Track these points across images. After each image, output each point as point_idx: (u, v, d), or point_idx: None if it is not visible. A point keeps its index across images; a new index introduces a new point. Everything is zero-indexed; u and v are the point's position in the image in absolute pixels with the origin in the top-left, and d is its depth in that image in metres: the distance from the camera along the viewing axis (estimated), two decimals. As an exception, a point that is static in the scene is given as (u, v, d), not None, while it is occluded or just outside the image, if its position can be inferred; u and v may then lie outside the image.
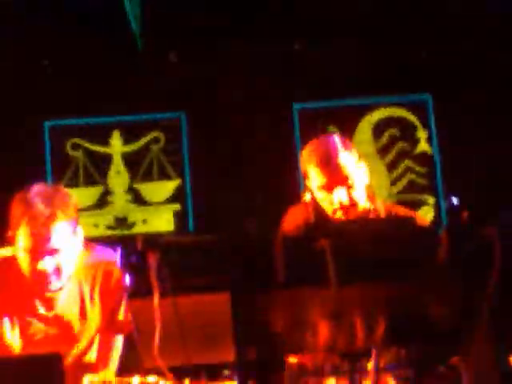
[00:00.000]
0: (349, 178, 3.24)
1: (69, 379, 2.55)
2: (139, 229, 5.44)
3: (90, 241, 3.13)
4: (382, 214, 3.33)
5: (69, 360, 2.97)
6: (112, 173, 5.55)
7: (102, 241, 3.19)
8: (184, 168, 5.53)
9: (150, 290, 2.10)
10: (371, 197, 3.37)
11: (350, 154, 3.32)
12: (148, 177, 5.54)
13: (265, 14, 5.50)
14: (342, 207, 3.23)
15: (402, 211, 3.43)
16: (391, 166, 5.55)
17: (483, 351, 2.15)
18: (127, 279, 2.13)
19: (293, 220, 3.32)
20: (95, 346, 3.07)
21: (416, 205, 5.38)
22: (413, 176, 5.53)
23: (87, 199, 5.43)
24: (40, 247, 2.85)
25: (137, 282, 2.12)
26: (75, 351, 3.02)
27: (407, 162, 5.55)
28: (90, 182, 5.51)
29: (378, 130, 5.57)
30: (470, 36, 5.34)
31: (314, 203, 3.32)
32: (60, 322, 3.01)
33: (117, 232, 5.44)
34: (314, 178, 3.31)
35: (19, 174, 4.80)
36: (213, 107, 5.52)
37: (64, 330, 3.01)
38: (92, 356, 3.06)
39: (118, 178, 5.54)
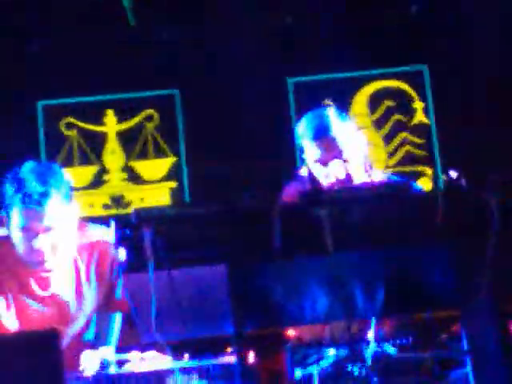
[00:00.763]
0: (344, 151, 3.22)
1: (67, 358, 2.55)
2: (135, 208, 5.40)
3: (86, 220, 3.10)
4: (380, 186, 3.31)
5: (66, 339, 2.95)
6: (107, 151, 5.51)
7: (98, 220, 3.15)
8: (179, 145, 5.50)
9: (146, 263, 2.07)
10: (369, 169, 3.34)
11: (346, 126, 3.29)
12: (143, 155, 5.51)
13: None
14: (338, 181, 3.21)
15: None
16: (388, 138, 5.52)
17: (483, 317, 2.13)
18: (122, 253, 2.10)
19: (290, 194, 3.30)
20: (92, 325, 3.05)
21: (413, 176, 5.35)
22: (410, 147, 5.51)
23: (82, 179, 5.40)
24: (34, 225, 2.82)
25: (132, 256, 2.09)
26: (72, 330, 3.00)
27: (404, 134, 5.52)
28: (85, 161, 5.48)
29: (374, 102, 5.54)
30: (468, 5, 5.30)
31: (311, 177, 3.30)
32: (56, 302, 2.99)
33: (113, 211, 5.42)
34: (310, 151, 3.29)
35: (13, 154, 4.76)
36: (207, 83, 5.48)
37: (60, 310, 2.99)
38: (90, 335, 3.05)
39: (114, 156, 5.50)
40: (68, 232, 2.91)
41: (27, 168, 2.88)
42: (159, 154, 5.52)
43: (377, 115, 5.54)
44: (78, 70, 5.39)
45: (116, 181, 5.49)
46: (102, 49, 5.44)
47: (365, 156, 3.31)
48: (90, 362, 2.58)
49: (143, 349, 2.55)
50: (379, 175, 3.42)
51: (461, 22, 5.32)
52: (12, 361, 1.88)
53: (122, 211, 5.41)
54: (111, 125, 5.54)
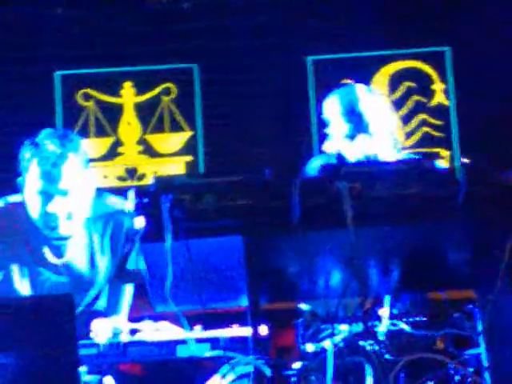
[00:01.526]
0: (372, 127, 3.24)
1: (79, 326, 2.56)
2: (149, 181, 5.40)
3: (102, 190, 3.10)
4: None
5: (79, 308, 2.96)
6: (123, 124, 5.50)
7: (112, 192, 3.15)
8: (196, 120, 5.48)
9: (163, 232, 2.06)
10: (396, 146, 3.36)
11: (374, 103, 3.31)
12: (159, 128, 5.50)
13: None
14: (365, 156, 3.23)
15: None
16: (406, 119, 5.49)
17: (498, 297, 2.12)
18: (140, 221, 2.09)
19: (314, 168, 3.30)
20: (105, 295, 3.06)
21: (432, 157, 5.31)
22: (428, 129, 5.47)
23: (98, 150, 5.39)
24: (51, 187, 2.82)
25: (149, 225, 2.08)
26: (85, 300, 3.01)
27: (423, 115, 5.48)
28: (101, 132, 5.47)
29: (394, 82, 5.50)
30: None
31: (337, 152, 3.31)
32: (69, 271, 2.99)
33: (127, 183, 5.41)
34: (337, 126, 3.31)
35: (30, 124, 4.76)
36: (225, 58, 5.45)
37: (74, 279, 2.99)
38: (102, 304, 3.05)
39: (129, 129, 5.49)
40: (83, 199, 2.90)
41: (44, 133, 2.89)
42: (175, 127, 5.50)
43: (396, 95, 5.50)
44: (96, 41, 5.38)
45: (131, 153, 5.48)
46: (121, 21, 5.42)
47: (392, 132, 3.32)
48: (101, 330, 2.59)
49: (155, 319, 2.55)
50: (405, 153, 3.42)
51: (485, 2, 5.25)
52: (27, 323, 1.88)
53: (136, 183, 5.41)
54: (128, 97, 5.52)
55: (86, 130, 5.39)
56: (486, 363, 2.24)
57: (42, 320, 1.87)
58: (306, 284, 2.40)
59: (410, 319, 2.38)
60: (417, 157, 3.46)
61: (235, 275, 2.15)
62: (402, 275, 2.36)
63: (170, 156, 5.50)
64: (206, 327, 2.42)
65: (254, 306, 2.11)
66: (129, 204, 2.19)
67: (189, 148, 5.47)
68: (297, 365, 2.23)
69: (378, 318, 2.37)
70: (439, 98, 5.49)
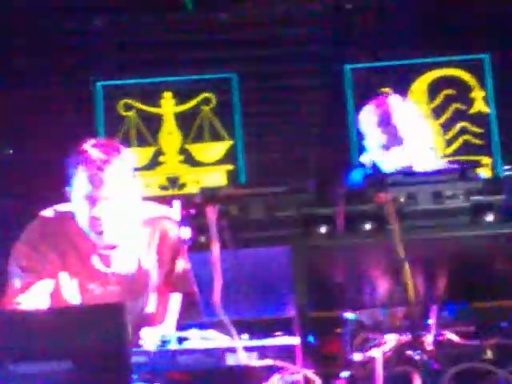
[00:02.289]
0: (407, 138, 3.24)
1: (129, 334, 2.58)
2: (191, 189, 5.45)
3: (145, 199, 3.13)
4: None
5: (129, 317, 2.97)
6: (164, 133, 5.56)
7: (155, 200, 3.18)
8: (235, 129, 5.51)
9: (210, 242, 2.08)
10: (432, 157, 3.35)
11: (410, 114, 3.31)
12: (199, 138, 5.54)
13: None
14: (401, 167, 3.22)
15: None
16: (446, 127, 5.46)
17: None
18: (187, 232, 2.11)
19: (353, 179, 3.31)
20: (152, 303, 3.07)
21: (473, 165, 5.28)
22: (468, 137, 5.44)
23: (140, 160, 5.44)
24: (95, 192, 2.86)
25: (196, 235, 2.10)
26: (133, 308, 3.02)
27: (463, 123, 5.45)
28: (143, 142, 5.53)
29: (433, 90, 5.48)
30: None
31: (373, 163, 3.31)
32: (117, 279, 3.01)
33: (169, 192, 5.46)
34: (373, 138, 3.31)
35: (72, 134, 4.82)
36: (264, 68, 5.48)
37: (121, 288, 3.01)
38: (150, 312, 3.07)
39: (170, 138, 5.55)
40: (129, 205, 2.93)
41: (89, 142, 2.93)
42: (215, 137, 5.54)
43: (435, 103, 5.48)
44: (137, 51, 5.44)
45: (172, 163, 5.53)
46: (160, 31, 5.48)
47: (428, 143, 3.31)
48: (149, 338, 2.61)
49: (202, 328, 2.57)
50: (441, 163, 3.41)
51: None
52: (79, 332, 1.91)
53: (177, 192, 5.46)
54: (168, 107, 5.58)
55: (127, 140, 5.46)
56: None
57: (94, 329, 1.89)
58: (352, 293, 2.40)
59: (458, 329, 2.37)
60: (456, 166, 3.45)
61: (282, 284, 2.16)
62: (449, 284, 2.35)
63: (211, 165, 5.53)
64: (252, 336, 2.43)
65: (302, 316, 2.11)
66: (175, 213, 2.21)
67: (229, 157, 5.51)
68: (344, 374, 2.22)
69: (426, 328, 2.36)
70: (479, 105, 5.47)
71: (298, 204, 2.12)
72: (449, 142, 5.46)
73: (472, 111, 5.47)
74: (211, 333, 2.52)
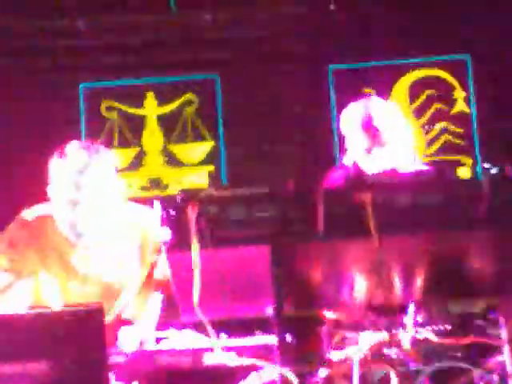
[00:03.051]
0: (389, 140, 3.26)
1: (108, 335, 2.58)
2: (174, 190, 5.45)
3: (128, 201, 3.13)
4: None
5: (107, 318, 2.97)
6: (146, 134, 5.56)
7: (137, 202, 3.18)
8: (218, 130, 5.52)
9: (189, 243, 2.09)
10: (414, 158, 3.37)
11: (391, 116, 3.33)
12: (182, 138, 5.54)
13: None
14: (383, 169, 3.24)
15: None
16: (427, 127, 5.49)
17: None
18: (167, 232, 2.12)
19: (334, 179, 3.32)
20: (133, 304, 3.08)
21: (452, 166, 5.32)
22: (449, 137, 5.47)
23: (122, 160, 5.44)
24: (77, 195, 2.87)
25: (176, 236, 2.12)
26: (113, 309, 3.03)
27: (444, 123, 5.48)
28: (125, 143, 5.53)
29: (415, 90, 5.51)
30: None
31: (355, 165, 3.33)
32: (98, 281, 3.02)
33: (151, 193, 5.46)
34: (354, 140, 3.33)
35: (54, 136, 4.81)
36: (247, 69, 5.49)
37: (102, 288, 3.02)
38: (129, 313, 3.08)
39: (153, 139, 5.55)
40: (110, 207, 2.94)
41: (71, 145, 2.94)
42: (198, 137, 5.55)
43: (417, 104, 5.51)
44: (119, 53, 5.44)
45: (154, 163, 5.53)
46: (143, 33, 5.48)
47: (410, 145, 3.34)
48: (127, 339, 2.62)
49: (180, 328, 2.58)
50: (422, 165, 3.42)
51: (505, 11, 5.25)
52: (57, 333, 1.91)
53: (159, 193, 5.46)
54: (151, 108, 5.58)
55: (110, 141, 5.45)
56: (510, 370, 2.25)
57: (72, 329, 1.90)
58: (331, 292, 2.42)
59: (435, 327, 2.39)
60: (436, 167, 3.47)
61: (262, 284, 2.17)
62: (427, 283, 2.37)
63: (193, 166, 5.54)
64: (231, 335, 2.44)
65: (279, 315, 2.13)
66: (155, 214, 2.22)
67: (211, 158, 5.51)
68: (322, 373, 2.24)
69: (403, 327, 2.38)
70: (460, 105, 5.50)
71: (277, 204, 2.13)
72: (430, 142, 5.49)
73: (453, 111, 5.50)
74: (190, 333, 2.53)
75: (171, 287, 2.80)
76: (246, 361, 2.26)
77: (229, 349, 2.35)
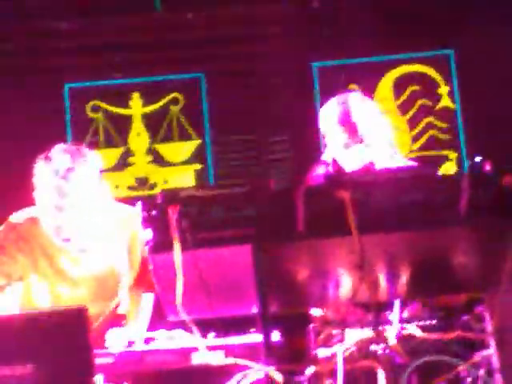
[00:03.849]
0: (367, 136, 3.25)
1: (98, 336, 2.59)
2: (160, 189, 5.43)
3: (115, 201, 3.13)
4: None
5: (99, 318, 2.97)
6: (132, 134, 5.55)
7: (124, 201, 3.18)
8: (204, 128, 5.52)
9: (171, 243, 2.09)
10: (393, 154, 3.35)
11: (369, 111, 3.32)
12: (168, 138, 5.54)
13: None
14: (361, 165, 3.23)
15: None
16: (412, 123, 5.51)
17: (507, 299, 2.14)
18: (148, 233, 2.12)
19: (315, 177, 3.32)
20: (125, 304, 3.07)
21: (438, 161, 5.33)
22: (434, 132, 5.49)
23: (108, 160, 5.42)
24: (62, 201, 2.85)
25: (158, 236, 2.11)
26: (104, 310, 3.02)
27: (429, 118, 5.49)
28: (111, 143, 5.52)
29: (399, 86, 5.52)
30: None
31: (334, 161, 3.32)
32: (89, 282, 3.01)
33: (138, 193, 5.46)
34: (333, 136, 3.32)
35: (40, 136, 4.80)
36: (232, 67, 5.49)
37: (92, 289, 3.02)
38: (122, 313, 3.07)
39: (139, 139, 5.54)
40: (96, 209, 2.93)
41: (55, 148, 2.93)
42: (184, 136, 5.54)
43: (402, 100, 5.52)
44: (104, 53, 5.42)
45: (141, 163, 5.53)
46: (128, 32, 5.46)
47: (389, 141, 3.32)
48: (116, 339, 2.61)
49: (170, 327, 2.58)
50: (403, 161, 3.42)
51: (488, 5, 5.26)
52: (42, 336, 1.91)
53: (147, 193, 5.45)
54: (137, 107, 5.57)
55: (95, 141, 5.44)
56: (496, 364, 2.26)
57: (56, 332, 1.90)
58: (315, 290, 2.43)
59: (420, 323, 2.40)
60: (416, 164, 3.47)
61: (245, 283, 2.17)
62: (411, 279, 2.38)
63: (180, 165, 5.53)
64: (220, 335, 2.45)
65: (264, 313, 2.13)
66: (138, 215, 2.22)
67: (198, 156, 5.51)
68: (309, 370, 2.25)
69: (389, 323, 2.39)
70: (445, 101, 5.51)
71: (258, 203, 2.13)
72: (415, 138, 5.50)
73: (438, 107, 5.51)
74: (178, 333, 2.53)
75: (156, 286, 2.81)
76: (233, 360, 2.27)
77: (216, 348, 2.36)
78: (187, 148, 5.53)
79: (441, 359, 2.30)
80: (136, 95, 5.56)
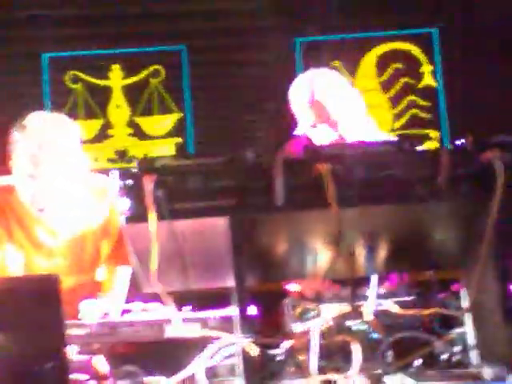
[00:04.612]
0: (334, 114, 3.21)
1: (73, 308, 2.56)
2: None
3: (93, 172, 3.10)
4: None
5: (74, 289, 2.94)
6: (112, 106, 5.50)
7: (104, 173, 3.14)
8: (185, 101, 5.48)
9: (147, 213, 2.06)
10: (368, 133, 3.32)
11: (340, 89, 3.28)
12: (148, 110, 5.49)
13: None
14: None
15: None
16: (395, 101, 5.49)
17: (484, 277, 2.13)
18: (124, 203, 2.09)
19: (292, 150, 3.29)
20: (101, 276, 3.06)
21: (420, 139, 5.33)
22: (416, 110, 5.48)
23: (87, 132, 5.38)
24: (37, 170, 2.82)
25: (133, 206, 2.08)
26: (80, 281, 3.00)
27: (411, 97, 5.48)
28: (90, 115, 5.46)
29: (382, 64, 5.50)
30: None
31: (307, 138, 3.30)
32: (64, 253, 2.99)
33: (118, 165, 5.42)
34: (301, 115, 3.29)
35: (18, 107, 4.74)
36: (214, 40, 5.44)
37: (68, 260, 3.00)
38: (98, 285, 3.05)
39: (118, 111, 5.49)
40: (72, 180, 2.90)
41: (34, 117, 2.88)
42: (164, 109, 5.50)
43: (384, 77, 5.51)
44: (84, 23, 5.36)
45: (121, 135, 5.48)
46: (109, 3, 5.40)
47: (361, 120, 3.29)
48: (91, 311, 2.59)
49: (146, 300, 2.56)
50: (383, 135, 3.39)
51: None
52: (13, 304, 1.88)
53: (126, 165, 5.42)
54: (117, 79, 5.51)
55: (74, 112, 5.39)
56: (471, 342, 2.26)
57: (27, 300, 1.87)
58: (293, 264, 2.41)
59: (397, 299, 2.39)
60: (396, 139, 3.44)
61: (222, 256, 2.15)
62: (389, 255, 2.37)
63: (160, 138, 5.50)
64: (194, 307, 2.43)
65: (240, 286, 2.11)
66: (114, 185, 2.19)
67: (178, 130, 5.48)
68: (284, 344, 2.23)
69: (365, 298, 2.38)
70: (427, 79, 5.50)
71: (236, 175, 2.11)
72: (397, 116, 5.49)
73: (420, 85, 5.50)
74: (154, 305, 2.51)
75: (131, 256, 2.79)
76: (208, 332, 2.25)
77: (192, 321, 2.34)
78: (167, 121, 5.50)
79: (416, 335, 2.29)
80: (116, 67, 5.50)
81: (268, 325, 2.34)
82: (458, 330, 2.30)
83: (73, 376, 2.13)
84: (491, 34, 5.18)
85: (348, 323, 2.30)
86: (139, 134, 5.48)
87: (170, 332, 2.30)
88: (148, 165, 2.07)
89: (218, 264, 2.20)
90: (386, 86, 5.48)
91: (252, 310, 2.32)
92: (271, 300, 2.44)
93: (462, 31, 5.27)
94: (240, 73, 5.43)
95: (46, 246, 2.97)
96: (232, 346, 2.15)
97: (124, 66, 5.49)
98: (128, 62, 5.49)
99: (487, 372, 2.12)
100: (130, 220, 2.09)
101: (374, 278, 2.40)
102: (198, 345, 2.26)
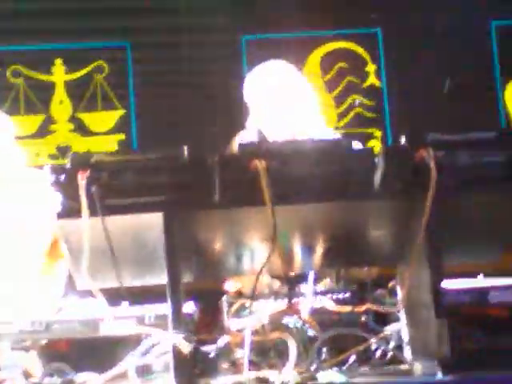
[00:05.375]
0: (290, 108, 3.21)
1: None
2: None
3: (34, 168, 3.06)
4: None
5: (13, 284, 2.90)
6: (54, 101, 5.41)
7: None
8: (129, 98, 5.43)
9: (80, 209, 2.03)
10: (318, 127, 3.33)
11: (294, 82, 3.28)
12: (92, 106, 5.42)
13: None
14: (283, 137, 3.20)
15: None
16: (339, 100, 5.52)
17: (418, 274, 2.15)
18: (57, 198, 2.06)
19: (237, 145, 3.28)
20: (40, 271, 3.02)
21: (363, 138, 5.36)
22: (360, 109, 5.51)
23: (28, 128, 5.30)
24: None
25: (66, 202, 2.05)
26: (20, 275, 2.95)
27: (355, 96, 5.52)
28: (32, 110, 5.37)
29: (327, 63, 5.52)
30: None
31: (258, 131, 3.29)
32: (1, 247, 2.94)
33: (60, 161, 5.34)
34: (255, 108, 3.28)
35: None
36: (159, 36, 5.41)
37: (6, 254, 2.95)
38: (37, 281, 3.01)
39: (61, 107, 5.41)
40: (9, 175, 2.86)
41: None
42: (108, 105, 5.44)
43: (329, 76, 5.53)
44: (27, 16, 5.27)
45: (63, 131, 5.40)
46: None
47: (315, 113, 3.29)
48: (26, 308, 2.56)
49: (81, 296, 2.53)
50: (330, 134, 3.40)
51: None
52: None
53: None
54: (59, 74, 5.43)
55: (15, 107, 5.29)
56: (405, 338, 2.28)
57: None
58: (230, 261, 2.41)
59: (334, 295, 2.40)
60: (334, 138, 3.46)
61: (157, 253, 2.13)
62: (325, 252, 2.38)
63: (103, 134, 5.43)
64: (134, 302, 2.40)
65: (173, 283, 2.09)
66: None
67: (121, 126, 5.42)
68: (219, 341, 2.23)
69: (302, 295, 2.38)
70: (372, 79, 5.54)
71: (171, 171, 2.09)
72: (341, 115, 5.52)
73: (365, 85, 5.54)
74: (89, 302, 2.48)
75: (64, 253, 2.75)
76: (141, 329, 2.23)
77: (126, 318, 2.31)
78: (111, 118, 5.43)
79: (352, 332, 2.30)
80: (59, 61, 5.42)
81: (204, 322, 2.33)
82: (393, 327, 2.32)
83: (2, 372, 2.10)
84: (435, 34, 5.24)
85: (284, 320, 2.30)
86: (82, 129, 5.41)
87: (105, 329, 2.28)
88: (82, 160, 2.04)
89: (153, 261, 2.18)
90: (330, 85, 5.50)
91: (189, 308, 2.31)
92: (209, 298, 2.43)
93: (406, 31, 5.32)
94: (186, 70, 5.39)
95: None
96: (165, 343, 2.13)
97: (67, 61, 5.41)
98: (71, 56, 5.41)
99: (418, 368, 2.14)
100: (62, 216, 2.06)
101: (311, 275, 2.41)
102: (133, 342, 2.24)
